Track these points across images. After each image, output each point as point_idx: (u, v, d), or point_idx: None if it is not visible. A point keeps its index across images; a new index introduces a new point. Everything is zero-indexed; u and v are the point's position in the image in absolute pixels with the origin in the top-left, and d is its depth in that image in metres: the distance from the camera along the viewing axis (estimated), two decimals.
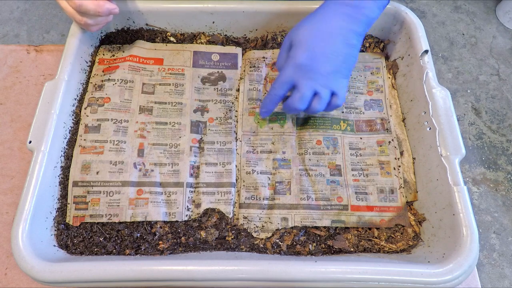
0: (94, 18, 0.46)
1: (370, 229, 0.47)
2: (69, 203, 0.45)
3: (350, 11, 0.44)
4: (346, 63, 0.45)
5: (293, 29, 0.46)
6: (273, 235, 0.46)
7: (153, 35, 0.58)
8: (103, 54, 0.56)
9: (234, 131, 0.52)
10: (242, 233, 0.46)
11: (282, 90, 0.46)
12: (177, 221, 0.46)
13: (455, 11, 1.58)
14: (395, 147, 0.51)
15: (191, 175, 0.49)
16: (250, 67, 0.57)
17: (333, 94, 0.46)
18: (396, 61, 0.57)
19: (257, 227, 0.46)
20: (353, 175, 0.49)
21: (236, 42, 0.59)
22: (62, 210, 0.45)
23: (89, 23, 0.47)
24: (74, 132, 0.49)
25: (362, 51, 0.59)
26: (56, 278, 0.36)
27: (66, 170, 0.47)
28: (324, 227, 0.47)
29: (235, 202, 0.48)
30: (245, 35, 0.59)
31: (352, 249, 0.45)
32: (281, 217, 0.47)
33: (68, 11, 0.46)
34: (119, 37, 0.58)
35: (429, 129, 0.47)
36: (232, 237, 0.46)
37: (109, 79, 0.52)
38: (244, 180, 0.49)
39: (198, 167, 0.49)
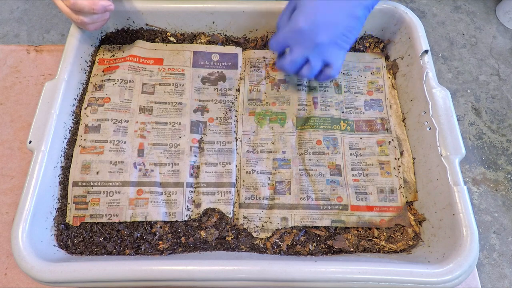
0: (90, 16, 0.46)
1: (370, 229, 0.47)
2: (69, 203, 0.45)
3: None
4: (346, 35, 0.44)
5: None
6: (273, 235, 0.46)
7: (153, 35, 0.58)
8: (103, 54, 0.56)
9: (234, 131, 0.52)
10: (242, 233, 0.46)
11: (276, 48, 0.47)
12: (177, 221, 0.46)
13: (455, 11, 1.58)
14: (395, 147, 0.51)
15: (191, 175, 0.49)
16: (250, 67, 0.57)
17: (327, 64, 0.46)
18: (396, 61, 0.57)
19: (257, 227, 0.46)
20: (353, 175, 0.49)
21: (236, 42, 0.59)
22: (62, 210, 0.45)
23: (85, 22, 0.46)
24: (74, 132, 0.49)
25: (362, 51, 0.59)
26: (56, 278, 0.36)
27: (66, 170, 0.47)
28: (324, 227, 0.47)
29: (235, 202, 0.48)
30: (245, 35, 0.59)
31: (352, 249, 0.45)
32: (281, 217, 0.47)
33: (64, 10, 0.46)
34: (119, 37, 0.58)
35: (429, 129, 0.47)
36: (232, 237, 0.46)
37: (109, 79, 0.52)
38: (244, 180, 0.49)
39: (198, 167, 0.49)
